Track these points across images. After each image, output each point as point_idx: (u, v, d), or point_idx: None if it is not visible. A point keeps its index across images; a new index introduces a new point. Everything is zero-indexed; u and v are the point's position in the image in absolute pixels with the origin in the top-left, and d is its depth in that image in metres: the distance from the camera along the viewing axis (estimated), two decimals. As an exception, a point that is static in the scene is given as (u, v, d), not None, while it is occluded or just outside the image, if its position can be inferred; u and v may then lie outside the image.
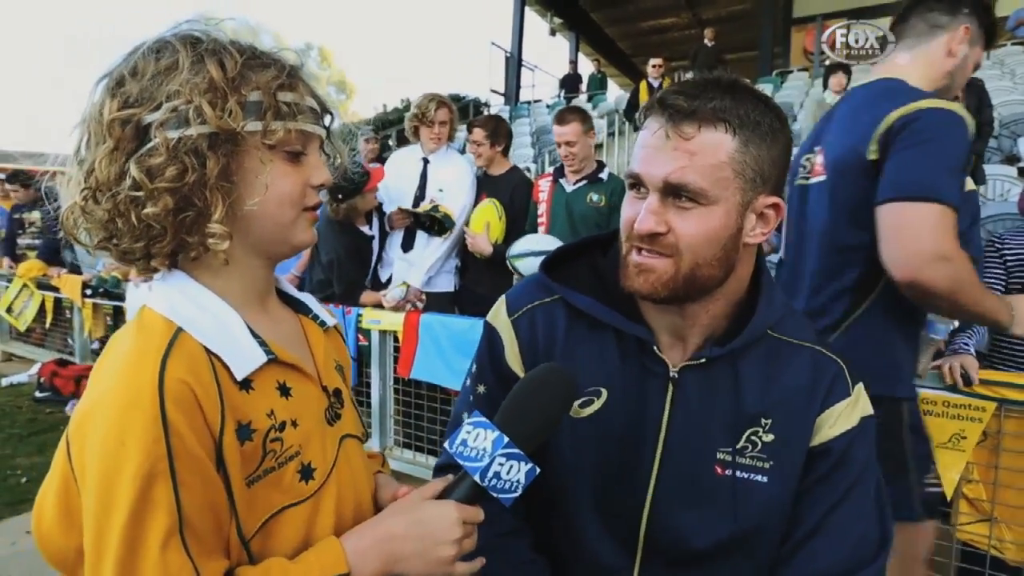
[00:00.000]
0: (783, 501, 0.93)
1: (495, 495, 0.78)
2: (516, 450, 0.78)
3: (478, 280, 3.36)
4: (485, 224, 3.21)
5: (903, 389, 1.51)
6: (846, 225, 1.48)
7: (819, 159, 1.58)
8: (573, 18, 16.97)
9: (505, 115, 12.47)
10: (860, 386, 0.97)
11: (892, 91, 1.46)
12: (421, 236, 3.31)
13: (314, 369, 0.83)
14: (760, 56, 13.64)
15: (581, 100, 12.95)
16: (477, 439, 0.79)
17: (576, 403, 0.95)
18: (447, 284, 3.40)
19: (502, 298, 1.08)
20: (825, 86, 6.87)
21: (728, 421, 0.93)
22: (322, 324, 0.90)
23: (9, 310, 5.70)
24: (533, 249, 2.90)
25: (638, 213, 0.87)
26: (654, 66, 8.94)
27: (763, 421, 0.93)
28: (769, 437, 0.93)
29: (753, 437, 0.93)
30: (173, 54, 0.70)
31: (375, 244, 3.37)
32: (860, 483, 0.93)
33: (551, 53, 31.92)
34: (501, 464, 0.77)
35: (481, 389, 1.06)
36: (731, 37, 14.76)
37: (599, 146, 9.87)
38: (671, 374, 0.94)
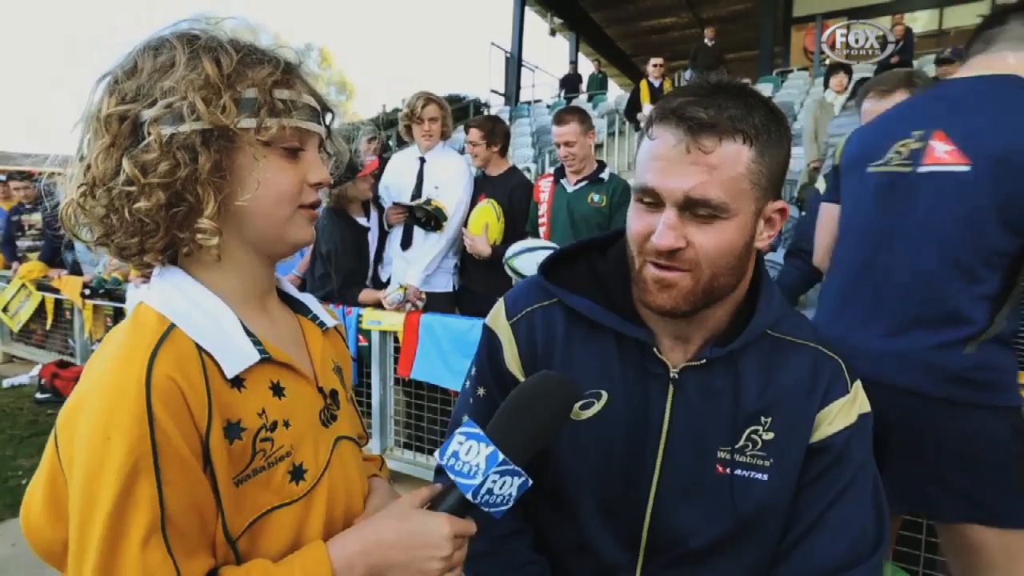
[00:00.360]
0: (783, 498, 0.93)
1: (486, 510, 0.75)
2: (511, 466, 0.74)
3: (478, 280, 3.35)
4: (484, 225, 3.20)
5: (1016, 397, 1.43)
6: (998, 227, 1.33)
7: (941, 146, 1.40)
8: (573, 18, 16.96)
9: (505, 115, 12.51)
10: (858, 383, 0.97)
11: None
12: (419, 233, 3.31)
13: (310, 370, 0.82)
14: (760, 56, 13.63)
15: (581, 100, 12.94)
16: (469, 452, 0.75)
17: (577, 405, 0.95)
18: (446, 284, 3.40)
19: (501, 301, 1.07)
20: (826, 86, 6.87)
21: (728, 420, 0.93)
22: (321, 325, 0.89)
23: (5, 309, 5.70)
24: (530, 247, 2.88)
25: (650, 225, 0.86)
26: (654, 66, 8.94)
27: (763, 419, 0.93)
28: (769, 435, 0.93)
29: (753, 435, 0.93)
30: (170, 51, 0.70)
31: (372, 237, 3.37)
32: (858, 480, 0.94)
33: (551, 53, 32.11)
34: (494, 481, 0.74)
35: (481, 392, 1.05)
36: (731, 37, 14.78)
37: (599, 146, 9.88)
38: (671, 375, 0.94)
